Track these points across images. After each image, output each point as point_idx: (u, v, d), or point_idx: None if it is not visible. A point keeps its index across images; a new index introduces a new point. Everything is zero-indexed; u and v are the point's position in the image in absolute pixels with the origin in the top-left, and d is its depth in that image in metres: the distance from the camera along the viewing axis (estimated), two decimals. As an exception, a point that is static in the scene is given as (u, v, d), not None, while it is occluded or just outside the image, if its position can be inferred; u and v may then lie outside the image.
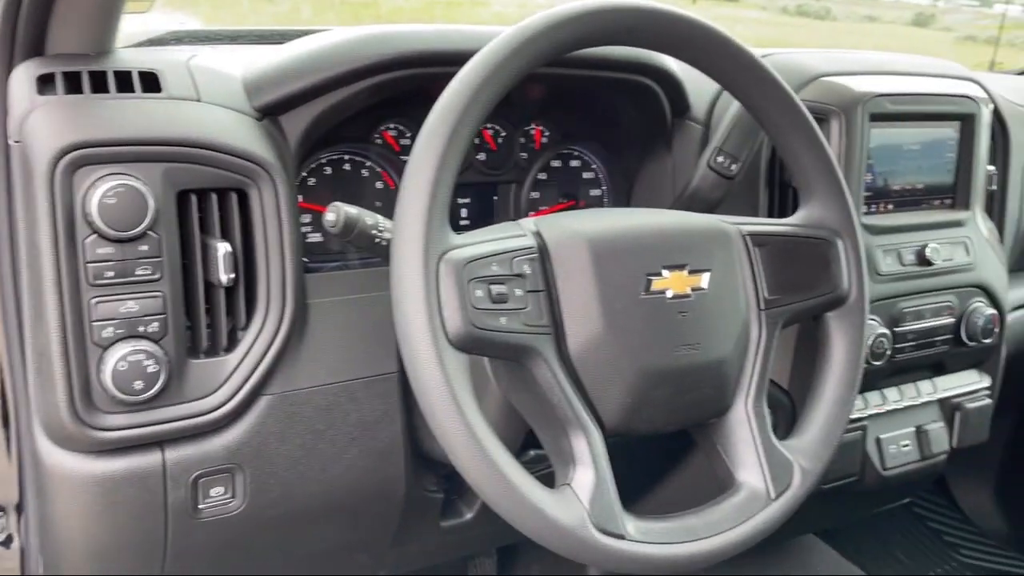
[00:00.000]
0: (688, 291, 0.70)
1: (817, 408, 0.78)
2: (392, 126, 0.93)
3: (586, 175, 1.06)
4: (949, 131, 1.12)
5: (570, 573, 1.23)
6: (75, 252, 0.67)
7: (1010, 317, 1.19)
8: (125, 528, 0.75)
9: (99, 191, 0.66)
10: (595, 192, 1.07)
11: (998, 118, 1.20)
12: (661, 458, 1.11)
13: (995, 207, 1.21)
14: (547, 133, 1.02)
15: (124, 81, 0.74)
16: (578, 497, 0.63)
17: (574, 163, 1.05)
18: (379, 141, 0.93)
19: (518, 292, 0.64)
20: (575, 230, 0.68)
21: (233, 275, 0.73)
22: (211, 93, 0.77)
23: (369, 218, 0.71)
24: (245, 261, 0.76)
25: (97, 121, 0.69)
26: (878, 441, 1.11)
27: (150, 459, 0.73)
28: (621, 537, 0.64)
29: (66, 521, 0.75)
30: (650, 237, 0.71)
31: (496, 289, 0.63)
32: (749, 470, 0.73)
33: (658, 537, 0.66)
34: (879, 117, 1.03)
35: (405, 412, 0.84)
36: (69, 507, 0.73)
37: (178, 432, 0.73)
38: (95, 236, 0.67)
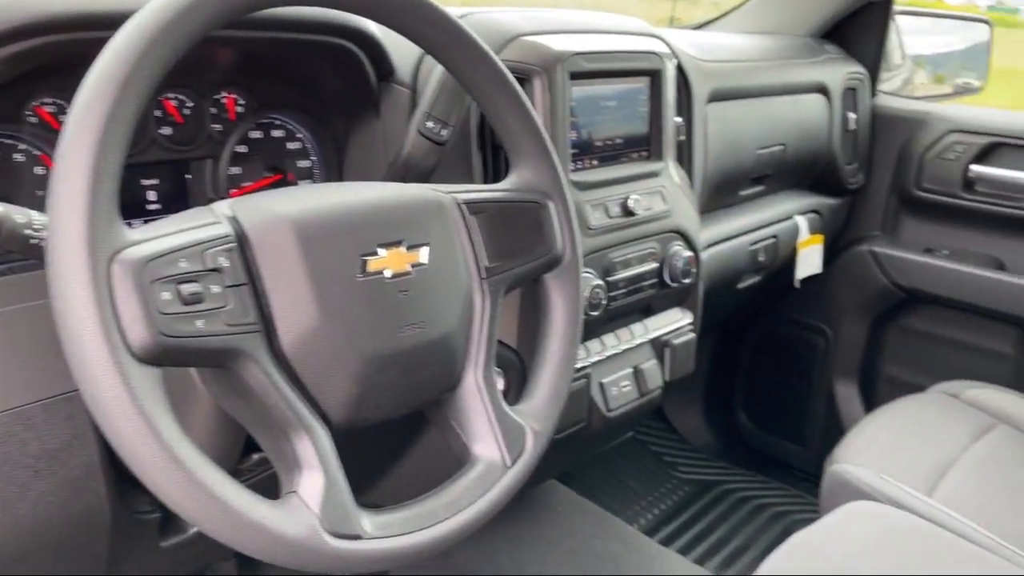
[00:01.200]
0: (407, 268, 0.67)
1: (543, 369, 0.79)
2: (48, 100, 0.79)
3: (292, 145, 0.99)
4: (640, 86, 1.18)
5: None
6: None
7: (704, 256, 1.31)
8: None
9: None
10: (303, 163, 1.00)
11: (681, 72, 1.29)
12: (397, 441, 1.09)
13: (684, 156, 1.31)
14: (242, 102, 0.93)
15: None
16: (306, 504, 0.58)
17: (277, 133, 0.97)
18: (33, 119, 0.78)
19: (215, 289, 0.56)
20: (277, 212, 0.62)
21: None
22: None
23: (19, 215, 0.59)
24: None
25: None
26: (601, 386, 1.16)
27: None
28: (358, 537, 0.60)
29: None
30: (361, 214, 0.66)
31: (187, 289, 0.55)
32: (484, 441, 0.72)
33: (398, 529, 0.63)
34: (577, 75, 1.06)
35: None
36: None
37: None
38: None
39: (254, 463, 0.80)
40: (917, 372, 1.77)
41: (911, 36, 1.96)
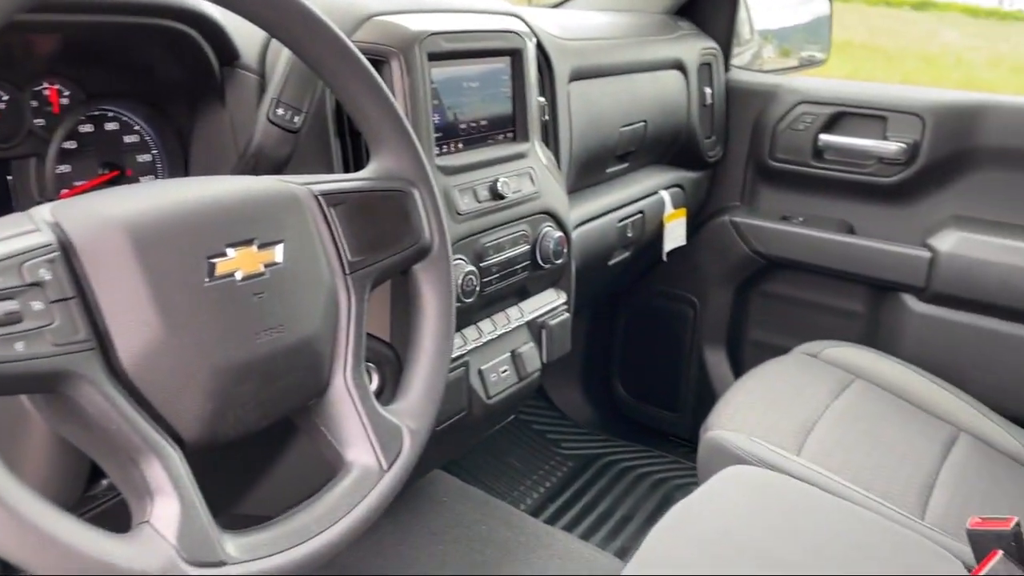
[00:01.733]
0: (261, 268, 0.62)
1: (416, 365, 0.76)
2: None
3: (129, 139, 0.91)
4: (502, 66, 1.15)
5: None
6: None
7: (574, 235, 1.30)
8: None
9: None
10: (144, 158, 0.92)
11: (542, 51, 1.27)
12: (270, 446, 1.03)
13: (549, 136, 1.30)
14: (66, 92, 0.84)
15: None
16: (160, 534, 0.53)
17: (110, 126, 0.89)
18: None
19: (37, 306, 0.50)
20: (106, 216, 0.56)
21: None
22: None
23: None
24: None
25: None
26: (480, 373, 1.14)
27: None
28: (222, 564, 0.55)
29: None
30: (205, 212, 0.60)
31: (2, 308, 0.48)
32: (357, 446, 0.69)
33: (267, 549, 0.59)
34: (436, 56, 1.02)
35: None
36: None
37: None
38: None
39: (104, 489, 0.73)
40: (780, 335, 1.84)
41: (759, 11, 2.02)
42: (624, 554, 1.60)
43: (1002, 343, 1.60)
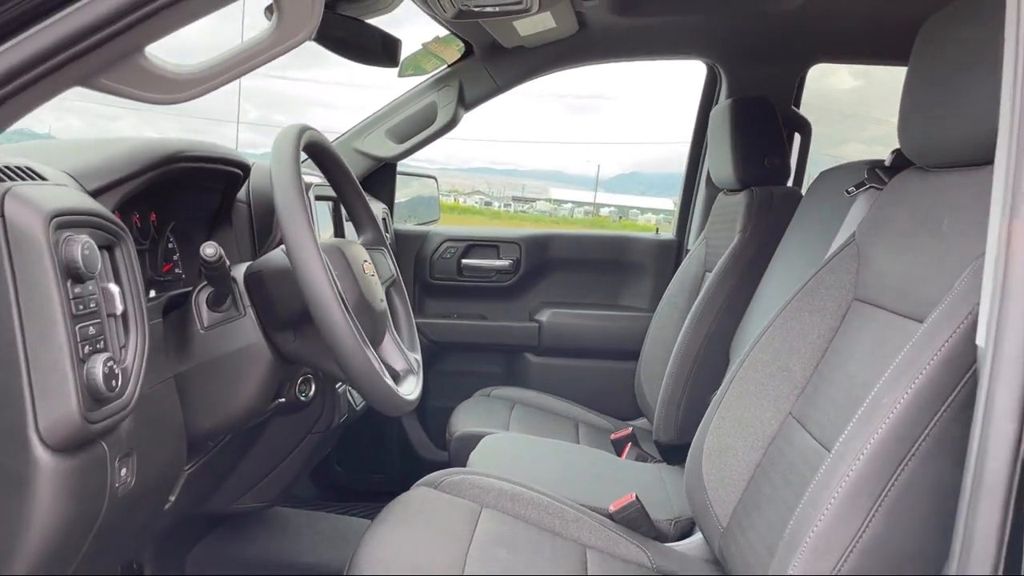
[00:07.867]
0: (373, 270, 1.30)
1: (404, 337, 1.45)
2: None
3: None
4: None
5: None
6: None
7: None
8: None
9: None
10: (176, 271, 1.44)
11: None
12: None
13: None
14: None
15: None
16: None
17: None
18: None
19: None
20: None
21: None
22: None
23: None
24: None
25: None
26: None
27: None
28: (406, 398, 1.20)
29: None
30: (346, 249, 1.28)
31: None
32: (401, 365, 1.36)
33: (412, 390, 1.24)
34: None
35: None
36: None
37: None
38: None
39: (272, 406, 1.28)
40: (451, 398, 2.65)
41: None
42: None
43: (584, 370, 2.68)
